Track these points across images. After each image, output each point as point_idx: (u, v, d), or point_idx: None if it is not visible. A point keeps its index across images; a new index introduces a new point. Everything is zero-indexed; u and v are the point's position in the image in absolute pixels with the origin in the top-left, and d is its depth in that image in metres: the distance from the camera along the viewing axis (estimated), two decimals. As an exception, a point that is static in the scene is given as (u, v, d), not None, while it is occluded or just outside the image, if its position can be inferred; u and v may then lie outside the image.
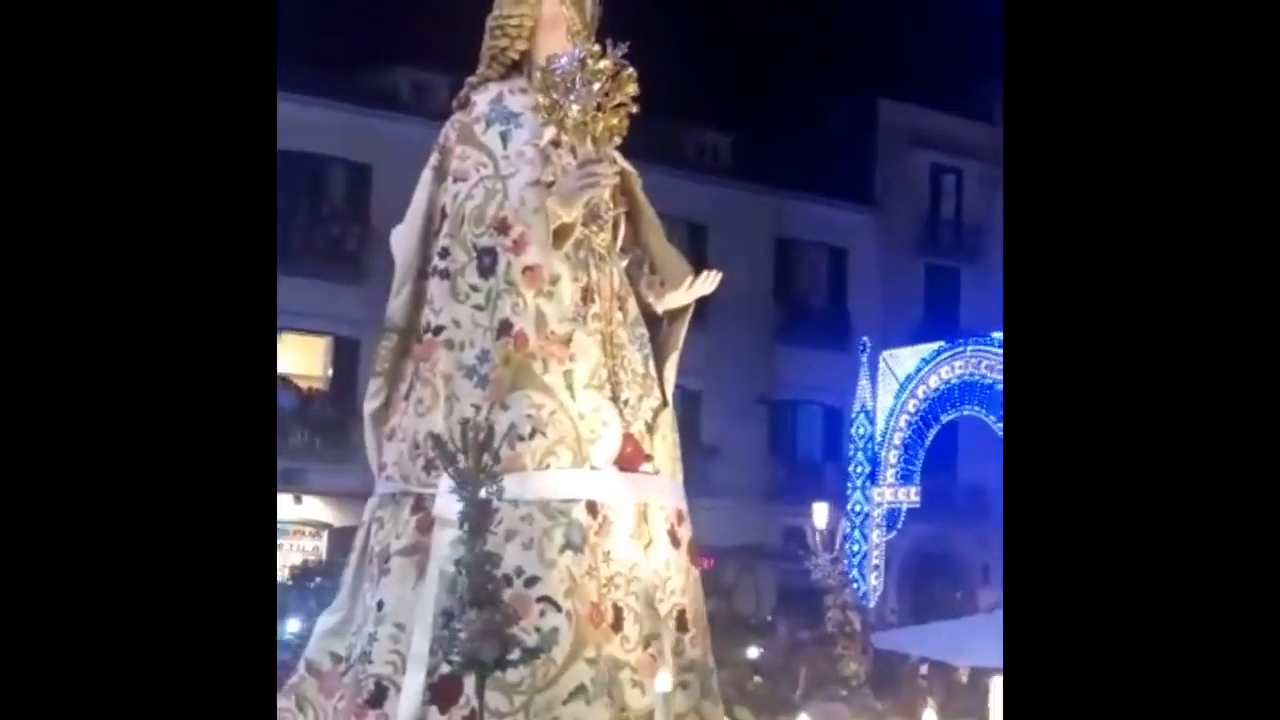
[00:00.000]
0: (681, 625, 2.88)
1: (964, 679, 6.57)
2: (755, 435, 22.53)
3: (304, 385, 18.26)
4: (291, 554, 15.78)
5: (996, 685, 2.54)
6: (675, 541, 2.93)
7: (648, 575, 2.82)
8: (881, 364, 21.90)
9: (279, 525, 17.33)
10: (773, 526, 17.53)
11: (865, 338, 21.84)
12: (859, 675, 3.06)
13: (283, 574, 12.49)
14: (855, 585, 22.13)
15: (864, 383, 22.09)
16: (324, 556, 13.74)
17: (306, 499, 16.67)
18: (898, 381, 21.62)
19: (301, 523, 16.99)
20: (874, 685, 3.21)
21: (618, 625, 2.73)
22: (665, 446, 2.98)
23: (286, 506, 17.14)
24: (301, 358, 18.55)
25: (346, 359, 16.43)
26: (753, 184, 21.80)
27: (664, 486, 2.95)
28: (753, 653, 5.36)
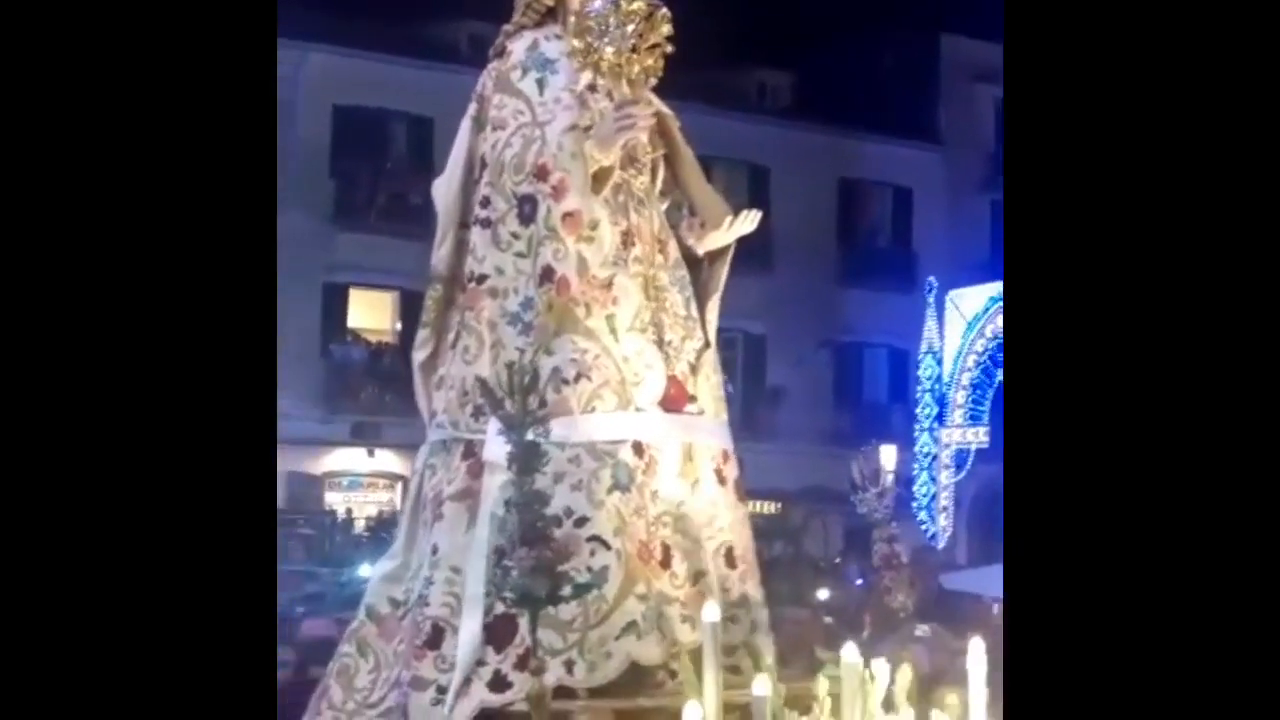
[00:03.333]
0: (730, 562, 2.92)
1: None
2: (820, 378, 22.42)
3: (373, 340, 18.53)
4: (366, 506, 16.13)
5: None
6: (721, 480, 2.97)
7: (694, 513, 2.86)
8: (948, 304, 21.66)
9: (354, 477, 17.73)
10: (839, 469, 17.52)
11: (931, 278, 21.59)
12: (906, 607, 3.10)
13: (359, 525, 12.79)
14: (924, 527, 22.08)
15: (930, 323, 21.88)
16: (397, 507, 14.01)
17: (379, 452, 16.99)
18: (965, 321, 21.39)
19: (374, 475, 17.33)
20: (947, 625, 3.23)
21: (666, 562, 2.78)
22: (709, 387, 3.01)
23: (360, 459, 17.49)
24: (369, 313, 18.82)
25: (414, 313, 16.66)
26: (814, 124, 21.52)
27: (708, 426, 2.98)
28: (823, 594, 5.42)
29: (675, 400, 2.90)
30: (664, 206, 3.09)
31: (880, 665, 2.59)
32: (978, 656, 2.63)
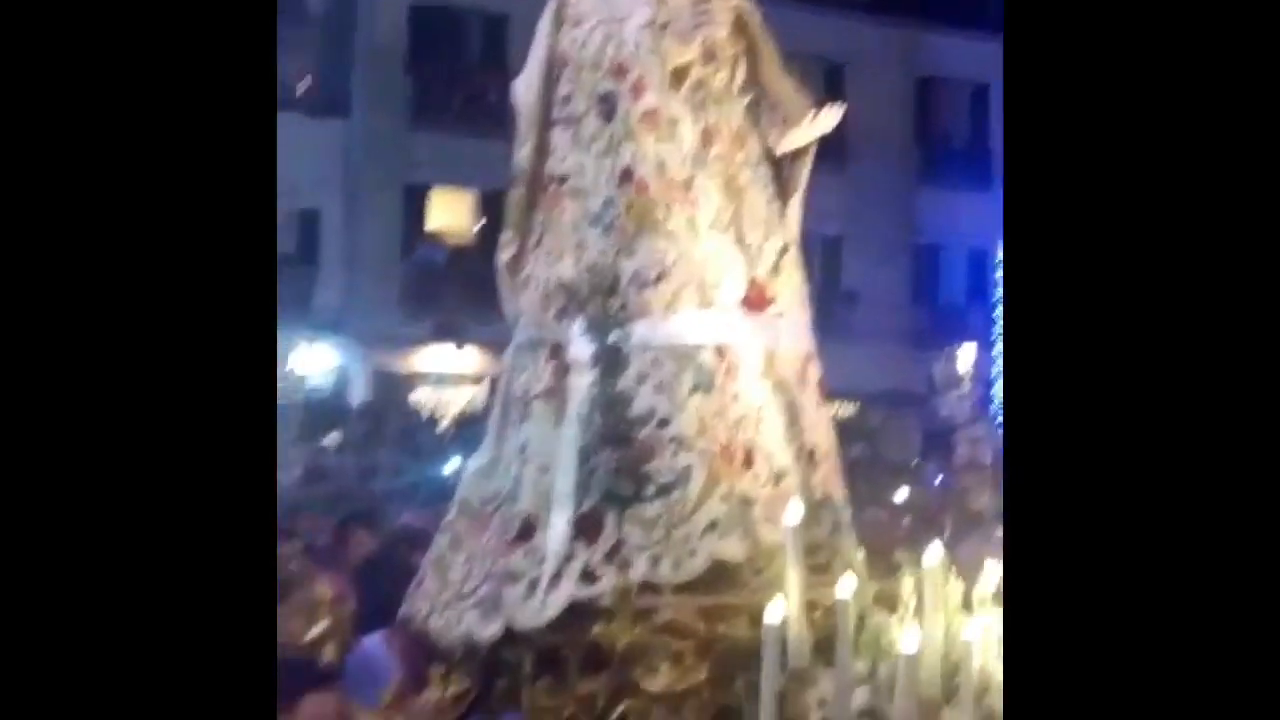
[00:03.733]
0: (812, 462, 2.93)
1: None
2: (898, 279, 22.15)
3: (454, 240, 18.64)
4: (452, 403, 16.40)
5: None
6: (803, 381, 2.96)
7: (776, 414, 2.86)
8: (1033, 201, 21.12)
9: (439, 375, 18.01)
10: (917, 371, 17.36)
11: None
12: (988, 508, 3.09)
13: (445, 422, 13.02)
14: (1001, 427, 21.80)
15: (1013, 221, 21.41)
16: (482, 403, 14.23)
17: (464, 350, 17.21)
18: (1050, 219, 20.88)
19: (459, 373, 17.59)
20: None
21: (748, 463, 2.79)
22: (790, 287, 2.98)
23: (447, 357, 17.74)
24: (450, 212, 18.91)
25: (493, 212, 16.70)
26: (890, 19, 20.93)
27: (790, 328, 2.96)
28: (901, 495, 5.40)
29: (756, 302, 2.89)
30: (744, 103, 3.04)
31: (972, 564, 2.60)
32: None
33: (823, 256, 21.09)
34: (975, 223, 21.71)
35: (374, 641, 2.70)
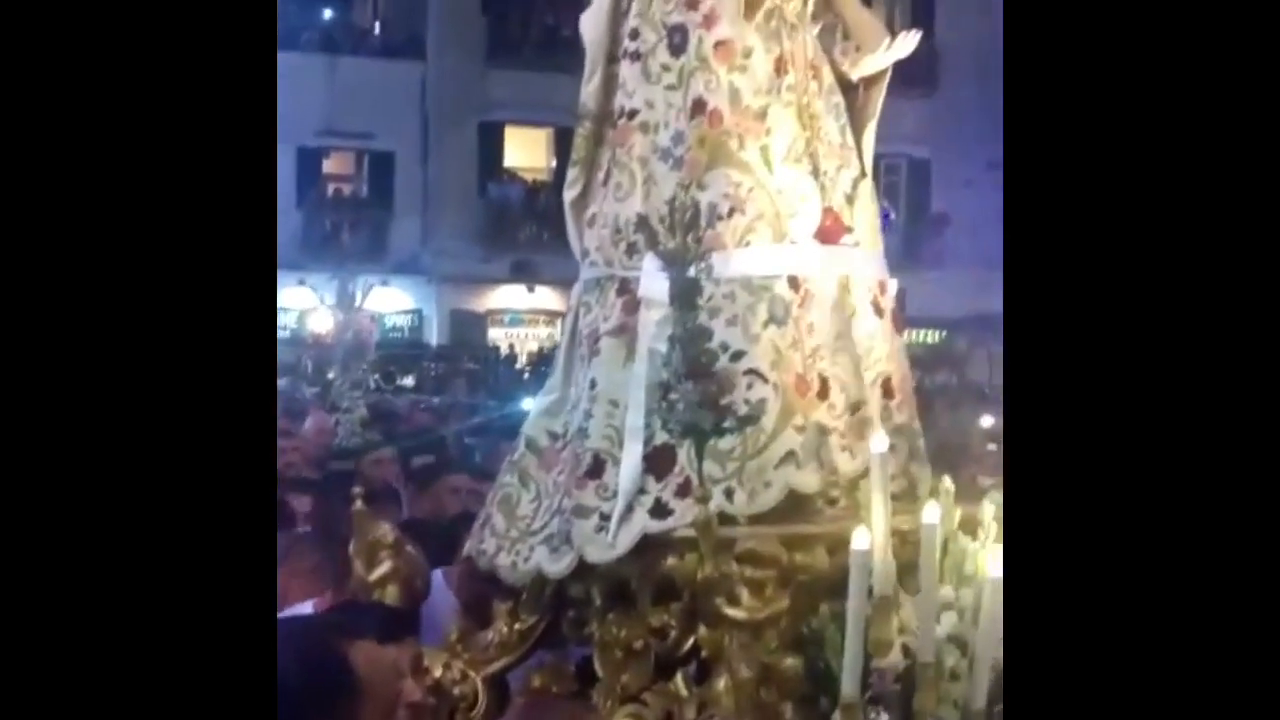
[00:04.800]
0: (887, 392, 2.91)
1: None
2: (988, 201, 21.65)
3: (529, 178, 18.71)
4: (528, 341, 16.57)
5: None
6: (879, 311, 2.93)
7: (851, 345, 2.84)
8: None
9: (515, 314, 18.17)
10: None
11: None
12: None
13: (521, 360, 13.18)
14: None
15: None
16: (558, 341, 14.33)
17: (538, 289, 17.34)
18: (1144, 136, 20.31)
19: (535, 311, 17.73)
20: None
21: (824, 394, 2.79)
22: (865, 217, 2.95)
23: (520, 296, 17.89)
24: (524, 150, 18.95)
25: (569, 149, 16.69)
26: (981, -68, 20.33)
27: (865, 257, 2.94)
28: (987, 422, 5.35)
29: (831, 232, 2.86)
30: (817, 30, 2.98)
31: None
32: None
33: (910, 180, 20.75)
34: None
35: (435, 578, 2.75)
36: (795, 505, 2.69)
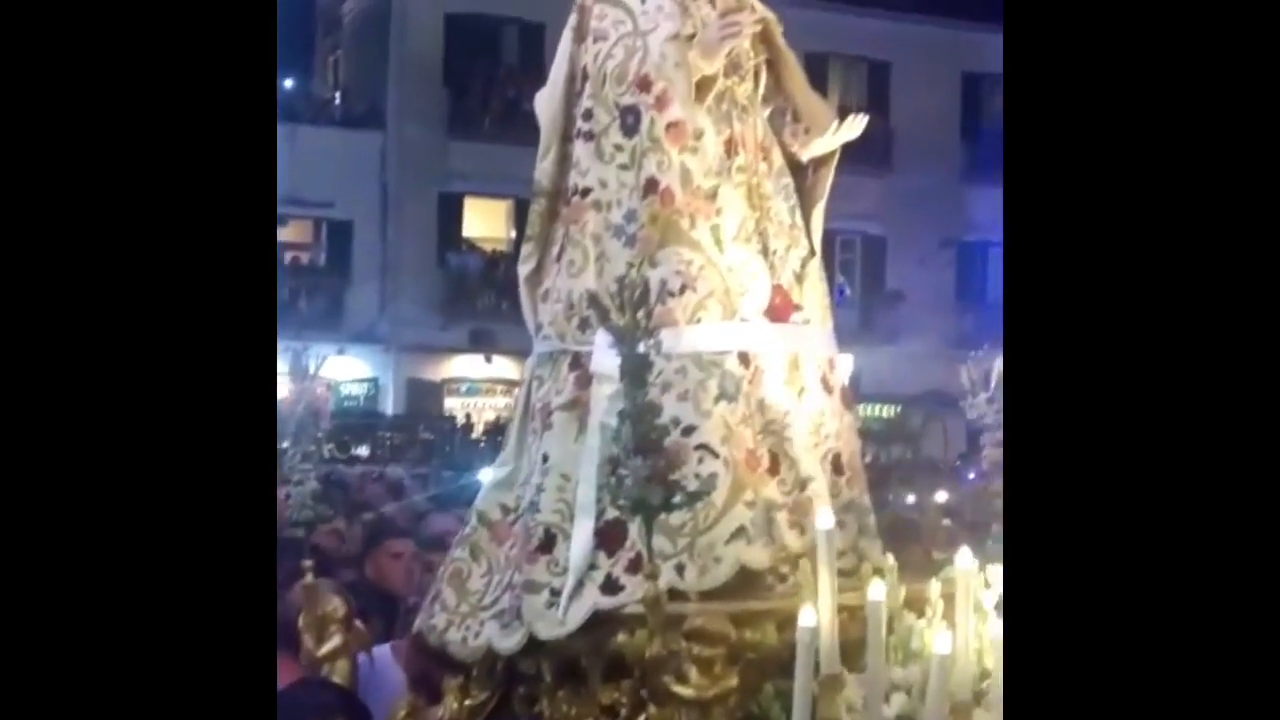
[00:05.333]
0: (837, 468, 2.94)
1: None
2: (942, 279, 22.02)
3: (488, 248, 18.77)
4: (485, 411, 16.52)
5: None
6: (828, 388, 2.97)
7: (801, 421, 2.88)
8: (1075, 198, 20.98)
9: (472, 383, 18.12)
10: (965, 373, 17.26)
11: (1057, 172, 20.90)
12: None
13: (478, 430, 13.14)
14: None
15: (1057, 219, 21.26)
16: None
17: (496, 359, 17.33)
18: (1093, 216, 20.72)
19: (492, 380, 17.70)
20: None
21: (774, 470, 2.81)
22: (815, 295, 3.00)
23: (478, 366, 17.86)
24: (485, 221, 19.04)
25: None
26: (936, 17, 20.87)
27: (815, 335, 2.98)
28: (941, 497, 5.40)
29: (781, 309, 2.90)
30: (767, 113, 3.06)
31: (997, 569, 2.60)
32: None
33: (866, 257, 21.01)
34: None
35: (383, 653, 2.72)
36: (745, 581, 2.70)
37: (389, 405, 17.94)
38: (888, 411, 18.54)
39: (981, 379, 3.09)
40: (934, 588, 2.54)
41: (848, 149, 3.11)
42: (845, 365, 3.11)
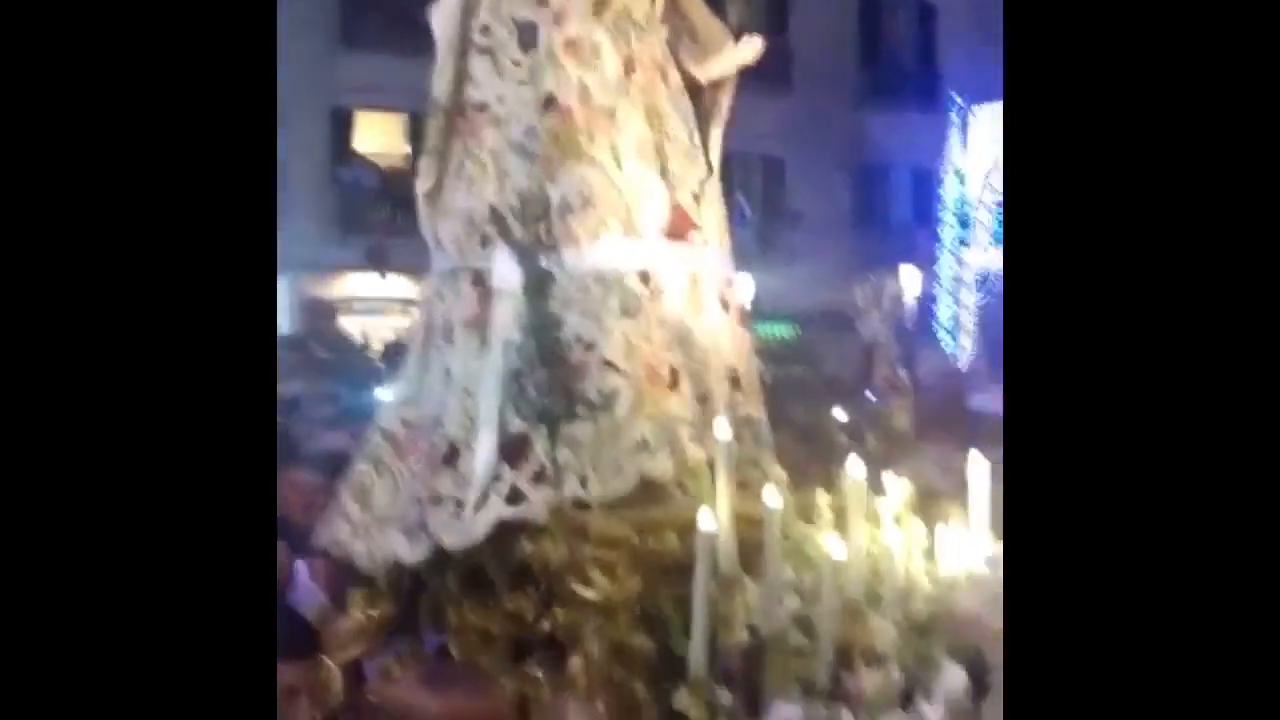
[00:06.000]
0: (735, 384, 3.02)
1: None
2: (841, 201, 22.22)
3: (384, 163, 18.38)
4: (382, 330, 16.32)
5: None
6: (725, 306, 3.04)
7: (700, 338, 2.94)
8: (972, 120, 21.24)
9: (368, 302, 17.82)
10: (859, 293, 17.46)
11: (955, 94, 21.12)
12: (907, 429, 3.21)
13: (375, 348, 12.99)
14: (947, 348, 22.13)
15: (955, 142, 21.51)
16: (410, 330, 14.09)
17: (392, 276, 17.07)
18: (990, 139, 21.00)
19: (388, 299, 17.46)
20: (974, 443, 3.35)
21: (674, 385, 2.87)
22: (713, 216, 3.05)
23: (374, 284, 17.59)
24: (379, 136, 18.61)
25: (423, 135, 16.44)
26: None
27: (713, 254, 3.04)
28: (839, 415, 5.54)
29: (680, 229, 2.94)
30: (664, 33, 3.07)
31: (889, 480, 2.71)
32: (978, 468, 2.77)
33: (765, 179, 21.08)
34: (921, 143, 21.75)
35: (298, 568, 2.74)
36: (648, 492, 2.77)
37: (284, 325, 17.63)
38: (786, 331, 18.78)
39: (875, 299, 3.19)
40: (823, 497, 2.65)
41: (747, 71, 3.14)
42: (744, 285, 3.17)
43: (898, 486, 2.75)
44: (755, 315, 3.20)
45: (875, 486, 2.70)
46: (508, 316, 2.74)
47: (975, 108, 21.09)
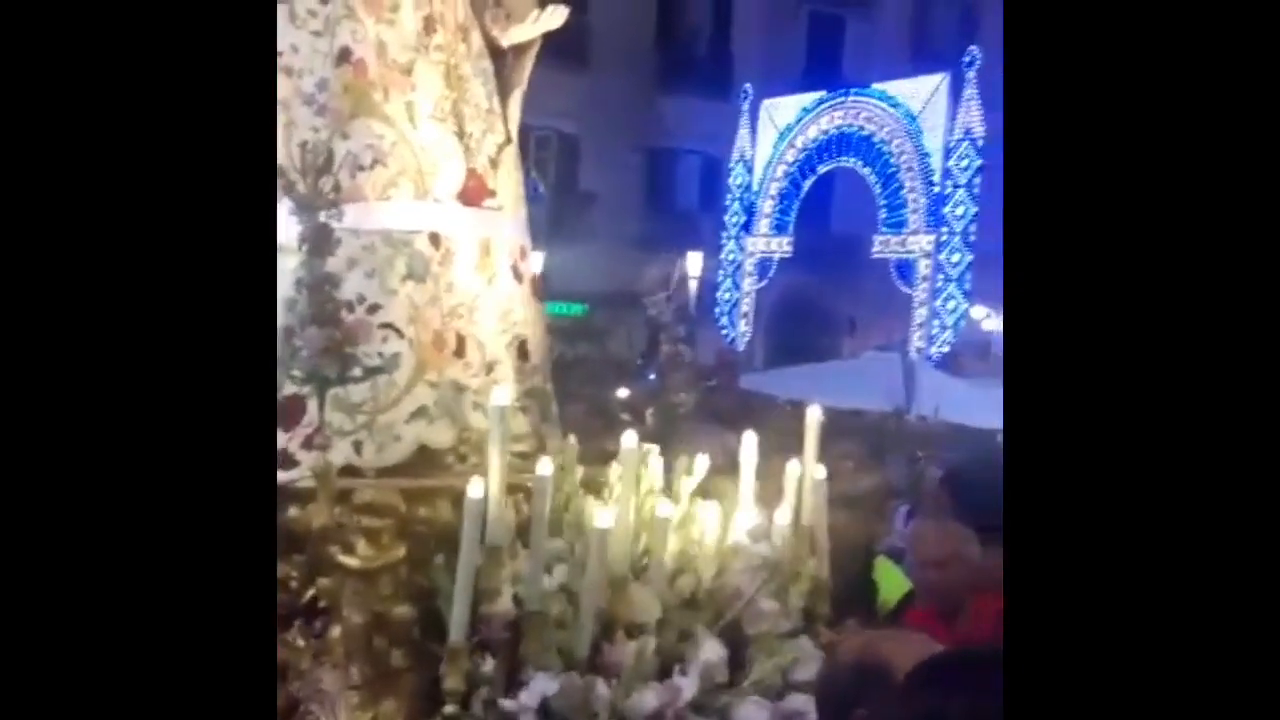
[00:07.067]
0: (522, 354, 3.00)
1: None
2: (633, 182, 22.47)
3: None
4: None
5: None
6: (518, 275, 3.02)
7: (489, 306, 2.91)
8: (762, 113, 21.90)
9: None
10: (648, 274, 17.75)
11: (747, 85, 21.68)
12: (687, 404, 3.28)
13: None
14: (725, 331, 22.78)
15: (744, 132, 22.12)
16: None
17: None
18: (777, 131, 21.73)
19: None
20: (747, 423, 3.44)
21: (460, 352, 2.83)
22: (509, 183, 3.01)
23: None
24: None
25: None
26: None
27: (507, 222, 3.00)
28: (622, 393, 5.63)
29: (474, 193, 2.90)
30: (469, -6, 3.02)
31: (659, 455, 2.76)
32: (749, 449, 2.86)
33: (560, 155, 21.10)
34: (711, 129, 22.21)
35: None
36: (425, 460, 2.73)
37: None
38: (574, 310, 18.89)
39: (662, 280, 3.24)
40: (613, 470, 2.67)
41: (549, 41, 3.11)
42: (536, 258, 3.15)
43: (675, 463, 2.80)
44: (545, 293, 3.19)
45: (650, 462, 2.74)
46: (288, 274, 2.64)
47: (764, 100, 21.72)
